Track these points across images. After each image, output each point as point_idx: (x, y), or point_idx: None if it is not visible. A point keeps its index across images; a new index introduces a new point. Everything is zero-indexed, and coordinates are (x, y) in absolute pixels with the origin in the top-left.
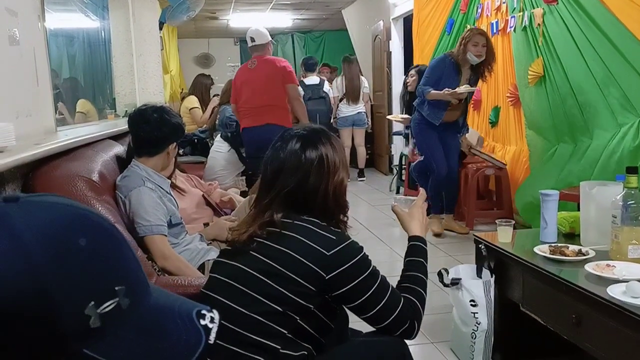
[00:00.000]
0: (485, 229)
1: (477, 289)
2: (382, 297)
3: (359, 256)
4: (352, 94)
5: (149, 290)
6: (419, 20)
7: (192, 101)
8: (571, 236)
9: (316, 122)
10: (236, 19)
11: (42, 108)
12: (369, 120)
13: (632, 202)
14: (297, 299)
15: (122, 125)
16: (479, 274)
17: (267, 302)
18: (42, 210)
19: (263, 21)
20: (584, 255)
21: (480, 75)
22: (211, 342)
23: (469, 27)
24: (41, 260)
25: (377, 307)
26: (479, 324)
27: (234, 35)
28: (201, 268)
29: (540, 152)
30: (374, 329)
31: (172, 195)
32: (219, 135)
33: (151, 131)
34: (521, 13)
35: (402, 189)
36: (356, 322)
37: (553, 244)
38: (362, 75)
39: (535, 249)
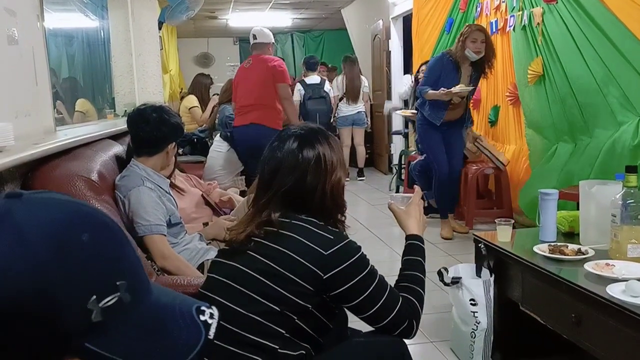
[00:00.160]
0: (485, 229)
1: (476, 288)
2: (380, 297)
3: (356, 256)
4: (352, 94)
5: (149, 286)
6: (419, 20)
7: (192, 100)
8: (570, 235)
9: (316, 121)
10: (235, 19)
11: (41, 108)
12: (369, 119)
13: (632, 201)
14: (295, 299)
15: (122, 125)
16: (478, 273)
17: (265, 302)
18: (44, 206)
19: (262, 21)
20: (584, 254)
21: (482, 72)
22: (211, 337)
23: None
24: (44, 255)
25: (376, 307)
26: (478, 323)
27: (233, 35)
28: (200, 267)
29: (540, 151)
30: (373, 329)
31: (171, 195)
32: (219, 134)
33: (150, 131)
34: (520, 12)
35: (401, 188)
36: (356, 322)
37: (552, 243)
38: (362, 74)
39: (535, 248)
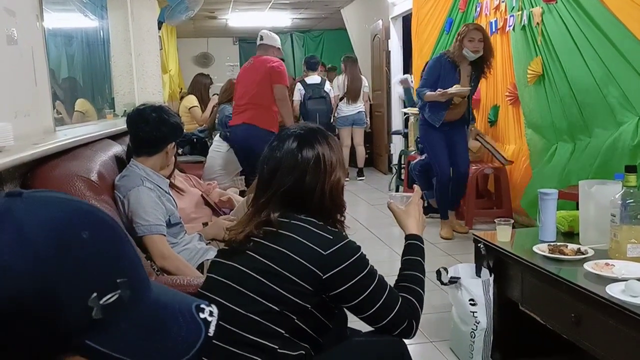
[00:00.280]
0: (485, 228)
1: (476, 288)
2: (379, 297)
3: (356, 256)
4: (353, 94)
5: (149, 284)
6: (418, 20)
7: (191, 100)
8: (570, 235)
9: (316, 121)
10: (235, 19)
11: (41, 108)
12: (368, 119)
13: (631, 200)
14: (294, 299)
15: (121, 124)
16: (478, 273)
17: (264, 301)
18: (45, 204)
19: (262, 21)
20: (583, 254)
21: (481, 71)
22: (211, 335)
23: None
24: (45, 253)
25: (375, 307)
26: (478, 323)
27: (232, 35)
28: (200, 267)
29: (539, 151)
30: (372, 329)
31: (171, 195)
32: (218, 134)
33: (150, 131)
34: (520, 12)
35: (401, 188)
36: (355, 322)
37: (552, 243)
38: (361, 74)
39: (535, 248)
